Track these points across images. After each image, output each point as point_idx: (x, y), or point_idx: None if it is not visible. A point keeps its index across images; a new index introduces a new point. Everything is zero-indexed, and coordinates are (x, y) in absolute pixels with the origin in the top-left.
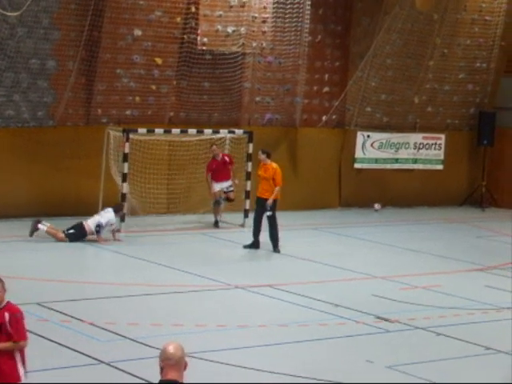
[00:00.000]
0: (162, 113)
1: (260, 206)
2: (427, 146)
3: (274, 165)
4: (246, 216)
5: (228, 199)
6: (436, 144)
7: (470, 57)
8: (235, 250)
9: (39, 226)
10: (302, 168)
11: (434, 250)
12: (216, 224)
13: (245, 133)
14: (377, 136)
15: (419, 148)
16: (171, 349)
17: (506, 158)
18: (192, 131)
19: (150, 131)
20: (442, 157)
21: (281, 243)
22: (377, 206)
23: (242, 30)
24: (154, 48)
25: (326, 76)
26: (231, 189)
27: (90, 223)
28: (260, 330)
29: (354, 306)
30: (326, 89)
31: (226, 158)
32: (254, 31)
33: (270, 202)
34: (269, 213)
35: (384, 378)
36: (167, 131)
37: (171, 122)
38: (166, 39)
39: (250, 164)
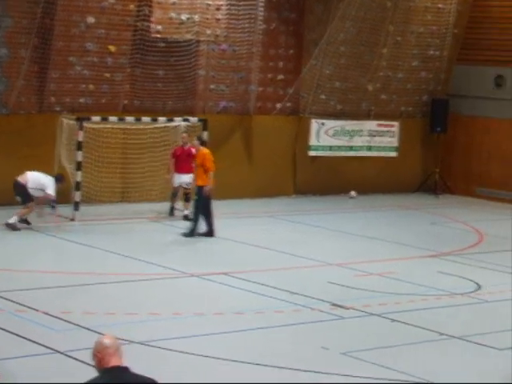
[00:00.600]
0: (115, 101)
1: (196, 193)
2: (381, 133)
3: (205, 150)
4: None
5: (186, 198)
6: (390, 131)
7: (423, 44)
8: (191, 238)
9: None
10: (256, 156)
11: (388, 236)
12: (171, 212)
13: (199, 121)
14: (331, 123)
15: (373, 135)
16: (107, 338)
17: (458, 144)
18: (146, 119)
19: (104, 119)
20: (396, 144)
21: (237, 231)
22: (353, 193)
23: (196, 17)
24: (107, 35)
25: (281, 64)
26: (190, 186)
27: (32, 185)
28: (216, 318)
29: (309, 293)
30: (281, 76)
31: (193, 150)
32: (208, 19)
33: (206, 189)
34: (196, 197)
35: (339, 364)
36: (121, 119)
37: (125, 110)
38: (120, 27)
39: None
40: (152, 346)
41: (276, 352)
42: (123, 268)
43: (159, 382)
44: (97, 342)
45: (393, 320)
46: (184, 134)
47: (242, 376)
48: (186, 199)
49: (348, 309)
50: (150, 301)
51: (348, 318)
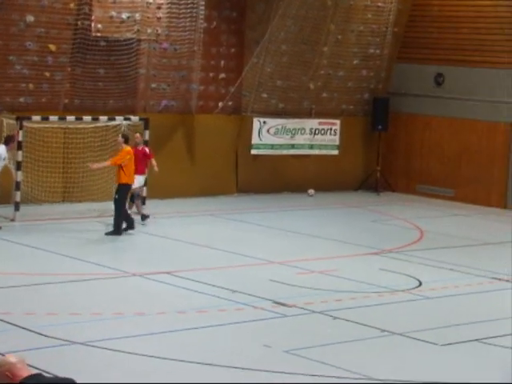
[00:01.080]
0: (56, 100)
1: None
2: (323, 131)
3: (127, 148)
4: (143, 203)
5: (132, 198)
6: (331, 129)
7: (364, 43)
8: (132, 237)
9: None
10: (198, 155)
11: (330, 234)
12: (143, 217)
13: (141, 119)
14: (273, 122)
15: (315, 133)
16: (11, 356)
17: (399, 142)
18: (87, 118)
19: (45, 119)
20: (337, 142)
21: (179, 230)
22: (310, 191)
23: (137, 16)
24: (47, 34)
25: (222, 62)
26: (143, 186)
27: None
28: (158, 318)
29: (251, 291)
30: (222, 75)
31: (146, 150)
32: (148, 17)
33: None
34: (116, 196)
35: (282, 363)
36: (62, 118)
37: (66, 110)
38: (60, 25)
39: (146, 149)
40: (94, 347)
41: (218, 351)
42: (65, 268)
43: (102, 382)
44: (3, 360)
45: (335, 317)
46: (137, 134)
47: (185, 375)
48: (132, 199)
49: (290, 307)
50: (93, 301)
51: (290, 315)
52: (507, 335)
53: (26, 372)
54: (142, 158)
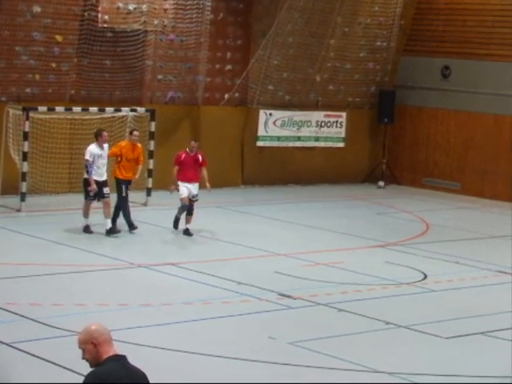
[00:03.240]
0: (62, 91)
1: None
2: (329, 123)
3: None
4: (148, 194)
5: (189, 213)
6: (337, 122)
7: (371, 35)
8: (139, 229)
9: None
10: (204, 146)
11: (336, 227)
12: (176, 224)
13: (147, 111)
14: (279, 114)
15: (321, 126)
16: (98, 326)
17: (405, 135)
18: (93, 109)
19: (51, 109)
20: (343, 134)
21: (184, 221)
22: (381, 183)
23: (144, 7)
24: (53, 25)
25: (228, 54)
26: (196, 198)
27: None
28: (164, 309)
29: (257, 283)
30: (229, 67)
31: (199, 157)
32: (155, 9)
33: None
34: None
35: (287, 354)
36: (68, 109)
37: (72, 100)
38: (66, 16)
39: (152, 142)
40: None
41: (224, 342)
42: (71, 259)
43: None
44: (88, 329)
45: (340, 310)
46: (193, 142)
47: (190, 366)
48: (189, 212)
49: (295, 299)
50: (99, 292)
51: (295, 307)
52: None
53: (113, 349)
54: (193, 164)
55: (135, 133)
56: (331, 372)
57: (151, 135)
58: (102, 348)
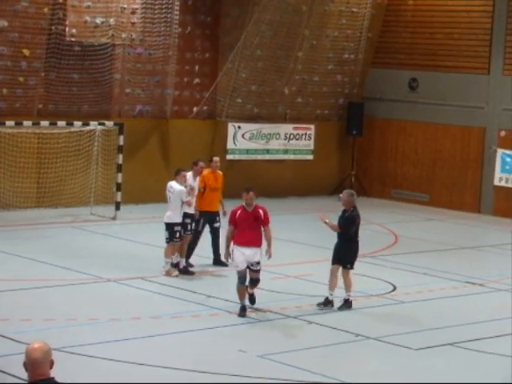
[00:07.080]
0: (30, 105)
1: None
2: (297, 136)
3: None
4: (117, 208)
5: (252, 283)
6: (306, 134)
7: (339, 48)
8: (107, 242)
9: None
10: (173, 160)
11: (305, 239)
12: (251, 298)
13: (115, 125)
14: (248, 127)
15: (290, 138)
16: (36, 346)
17: (374, 147)
18: (61, 123)
19: (18, 124)
20: (312, 147)
21: (154, 235)
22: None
23: (111, 20)
24: (21, 39)
25: (197, 67)
26: (258, 267)
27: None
28: (133, 323)
29: (226, 296)
30: (197, 80)
31: (260, 212)
32: (123, 22)
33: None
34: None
35: (256, 367)
36: (36, 124)
37: (40, 115)
38: (34, 30)
39: (120, 156)
40: (69, 352)
41: (193, 356)
42: (39, 274)
43: None
44: (27, 348)
45: (310, 322)
46: (251, 193)
47: (159, 381)
48: (252, 283)
49: (265, 312)
50: (67, 306)
51: (265, 320)
52: (481, 339)
53: (41, 370)
54: (253, 223)
55: (215, 159)
56: None
57: (120, 149)
58: (33, 368)
